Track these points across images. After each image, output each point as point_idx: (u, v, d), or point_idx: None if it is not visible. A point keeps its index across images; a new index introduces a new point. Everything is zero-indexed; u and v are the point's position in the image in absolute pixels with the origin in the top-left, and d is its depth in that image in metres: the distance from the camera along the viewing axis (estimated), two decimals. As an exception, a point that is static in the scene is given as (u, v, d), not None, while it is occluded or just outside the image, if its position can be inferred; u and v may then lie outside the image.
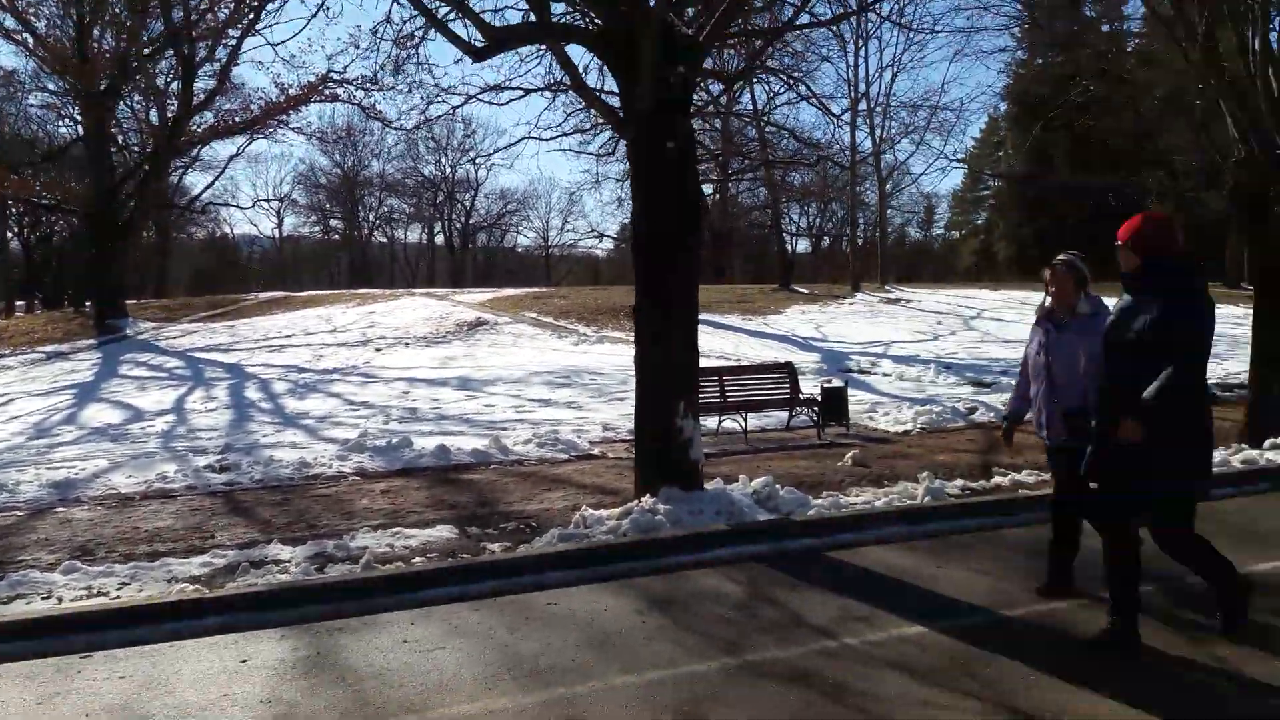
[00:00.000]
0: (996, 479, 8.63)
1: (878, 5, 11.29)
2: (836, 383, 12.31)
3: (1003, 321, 25.38)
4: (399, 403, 13.82)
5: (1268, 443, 9.22)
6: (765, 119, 30.63)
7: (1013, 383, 6.73)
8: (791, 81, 23.83)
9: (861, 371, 17.83)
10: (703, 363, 16.07)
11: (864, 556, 6.22)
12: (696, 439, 7.16)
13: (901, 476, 8.58)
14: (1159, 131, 29.70)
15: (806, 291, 33.06)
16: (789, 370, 11.93)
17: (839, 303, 29.65)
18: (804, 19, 8.75)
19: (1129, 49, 24.84)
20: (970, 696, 4.00)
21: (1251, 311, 10.71)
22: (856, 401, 13.59)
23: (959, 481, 8.51)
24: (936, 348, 20.75)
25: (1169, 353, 4.15)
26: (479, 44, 7.07)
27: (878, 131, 35.44)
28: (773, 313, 27.05)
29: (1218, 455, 8.91)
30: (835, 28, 26.43)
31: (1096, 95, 21.07)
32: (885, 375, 17.31)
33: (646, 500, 6.78)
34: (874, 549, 6.39)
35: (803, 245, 62.50)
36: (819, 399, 11.52)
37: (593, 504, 7.31)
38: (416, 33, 9.41)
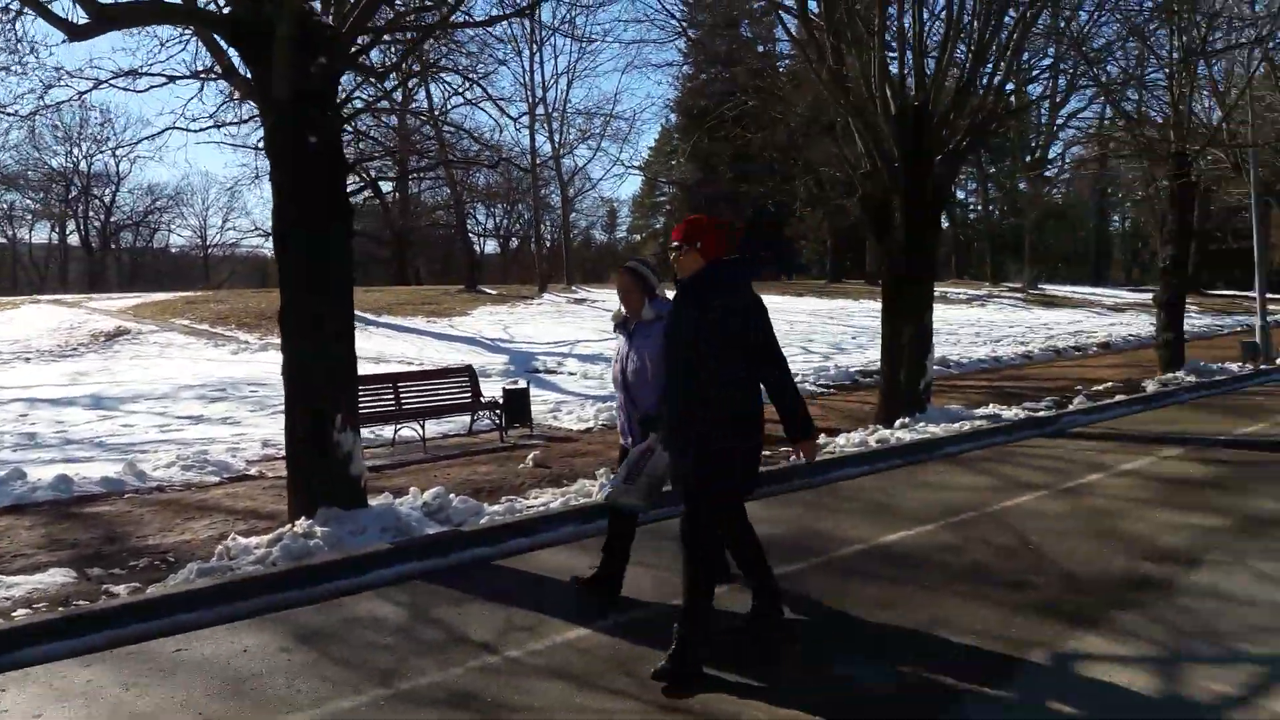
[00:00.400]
0: (667, 471, 8.95)
1: (539, 11, 11.29)
2: (520, 384, 12.23)
3: (678, 319, 26.74)
4: (15, 427, 11.89)
5: (898, 423, 10.29)
6: (442, 118, 30.08)
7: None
8: (468, 82, 23.65)
9: (548, 371, 17.95)
10: (385, 368, 15.24)
11: (535, 561, 6.10)
12: (357, 452, 6.69)
13: (581, 475, 8.60)
14: (806, 144, 32.84)
15: (494, 292, 32.95)
16: (469, 374, 11.67)
17: (527, 303, 29.79)
18: (460, 19, 8.51)
19: (780, 68, 27.10)
20: (626, 696, 3.96)
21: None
22: (542, 401, 13.62)
23: (633, 476, 8.68)
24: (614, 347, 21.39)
25: (763, 355, 4.18)
26: (82, 21, 6.11)
27: (556, 136, 36.06)
28: (459, 314, 26.62)
29: (857, 435, 9.82)
30: (505, 30, 26.43)
31: (752, 109, 22.73)
32: (571, 374, 17.53)
33: (301, 524, 6.21)
34: (546, 552, 6.29)
35: (491, 246, 62.40)
36: (501, 401, 11.35)
37: (243, 531, 6.61)
38: (11, 5, 8.02)
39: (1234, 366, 15.65)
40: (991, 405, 11.65)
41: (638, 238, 75.16)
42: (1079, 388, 14.07)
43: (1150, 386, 13.69)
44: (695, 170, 52.73)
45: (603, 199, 66.50)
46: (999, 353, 20.26)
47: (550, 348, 21.05)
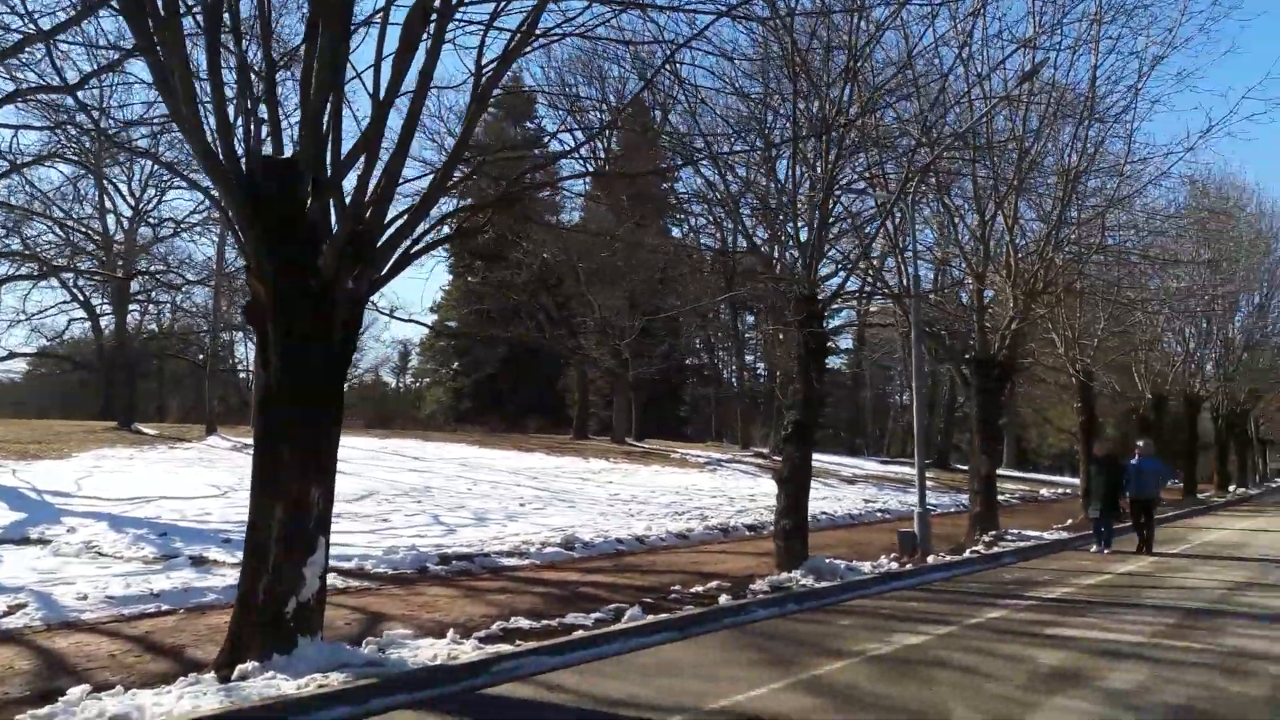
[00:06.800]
0: None
1: None
2: None
3: (342, 474, 22.68)
4: None
5: (239, 670, 6.53)
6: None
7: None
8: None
9: (39, 541, 13.41)
10: None
11: None
12: None
13: None
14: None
15: (153, 432, 28.18)
16: None
17: (172, 446, 25.16)
18: None
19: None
20: None
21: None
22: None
23: None
24: (201, 506, 17.05)
25: None
26: None
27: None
28: (55, 457, 21.93)
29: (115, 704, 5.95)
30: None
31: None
32: (53, 543, 13.07)
33: None
34: None
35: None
36: None
37: None
38: None
39: (867, 566, 12.91)
40: (452, 634, 8.21)
41: (426, 381, 70.45)
42: (675, 587, 11.11)
43: (752, 589, 10.70)
44: (466, 312, 49.51)
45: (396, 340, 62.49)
46: (665, 528, 17.16)
47: (117, 503, 16.57)
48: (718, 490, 25.24)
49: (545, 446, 32.01)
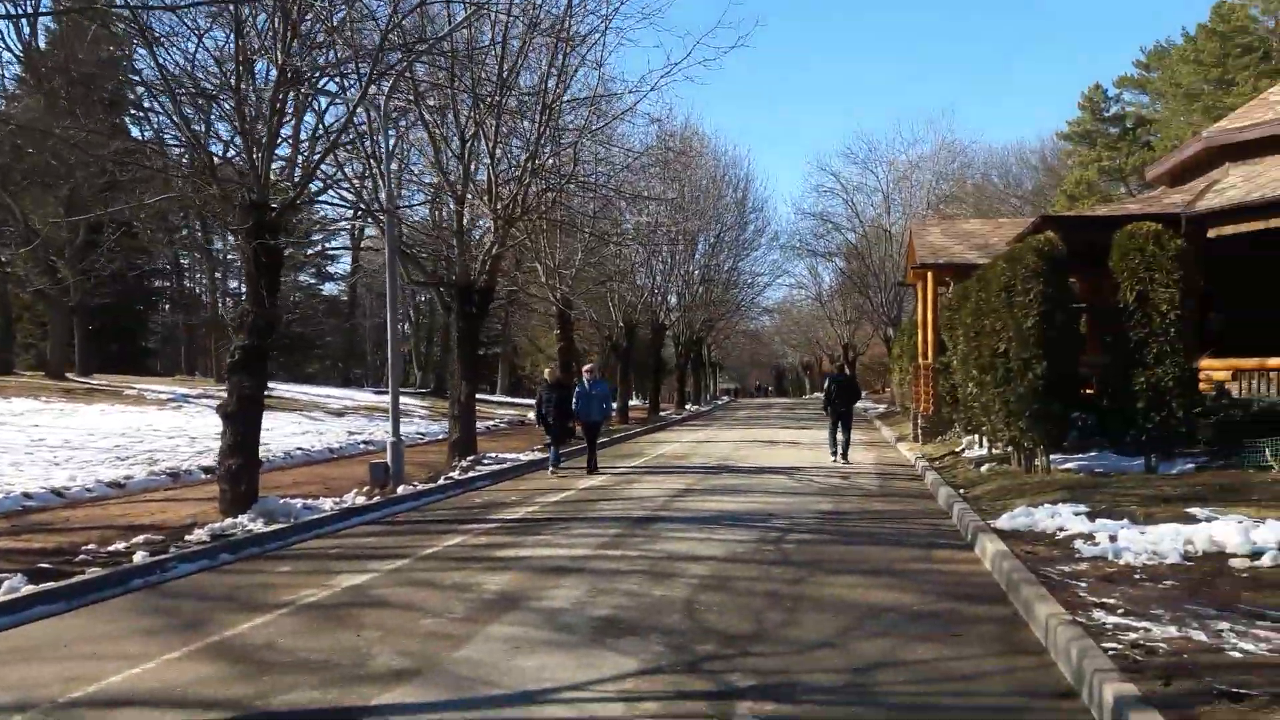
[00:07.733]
0: None
1: None
2: None
3: None
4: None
5: None
6: None
7: None
8: None
9: None
10: None
11: None
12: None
13: None
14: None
15: None
16: None
17: None
18: None
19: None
20: None
21: None
22: None
23: None
24: None
25: None
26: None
27: None
28: None
29: None
30: None
31: None
32: None
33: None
34: None
35: None
36: None
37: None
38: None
39: (329, 503, 12.01)
40: None
41: None
42: (89, 546, 9.28)
43: (187, 539, 9.17)
44: None
45: None
46: (96, 477, 14.47)
47: None
48: (179, 430, 22.36)
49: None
